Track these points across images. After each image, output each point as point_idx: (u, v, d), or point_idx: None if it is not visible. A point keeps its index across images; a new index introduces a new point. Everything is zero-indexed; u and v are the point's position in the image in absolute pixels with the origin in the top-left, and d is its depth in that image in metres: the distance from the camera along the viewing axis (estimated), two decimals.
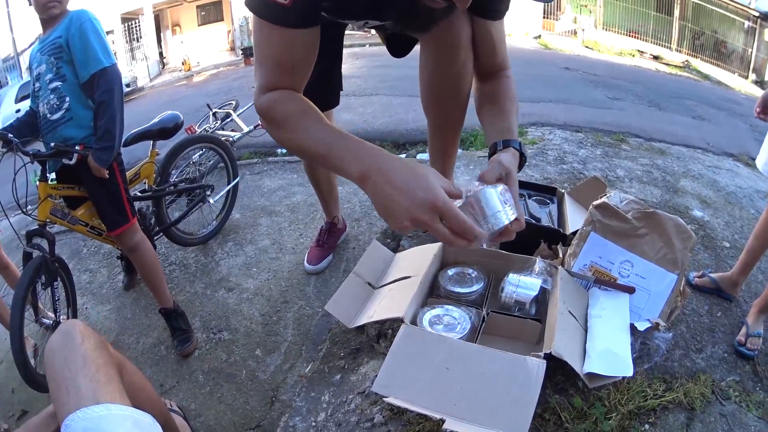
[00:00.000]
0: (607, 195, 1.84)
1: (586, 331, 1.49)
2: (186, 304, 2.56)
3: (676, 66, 16.20)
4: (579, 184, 2.57)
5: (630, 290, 1.71)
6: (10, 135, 2.28)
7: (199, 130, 4.86)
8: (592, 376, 1.34)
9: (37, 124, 2.31)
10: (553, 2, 21.24)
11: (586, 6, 20.36)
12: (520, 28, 20.30)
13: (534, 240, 1.93)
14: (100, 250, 3.16)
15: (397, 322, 1.44)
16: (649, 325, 1.59)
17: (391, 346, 1.30)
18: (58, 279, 2.39)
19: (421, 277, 1.60)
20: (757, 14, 19.84)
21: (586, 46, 18.69)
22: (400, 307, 1.46)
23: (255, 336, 2.31)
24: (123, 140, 2.45)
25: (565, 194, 2.32)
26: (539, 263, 1.64)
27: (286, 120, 1.19)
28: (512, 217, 1.01)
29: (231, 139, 4.32)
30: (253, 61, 1.23)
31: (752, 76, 19.43)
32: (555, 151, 4.06)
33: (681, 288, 1.77)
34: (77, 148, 2.17)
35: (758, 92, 18.24)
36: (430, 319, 1.49)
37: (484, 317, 1.50)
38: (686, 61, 16.97)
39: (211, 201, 3.15)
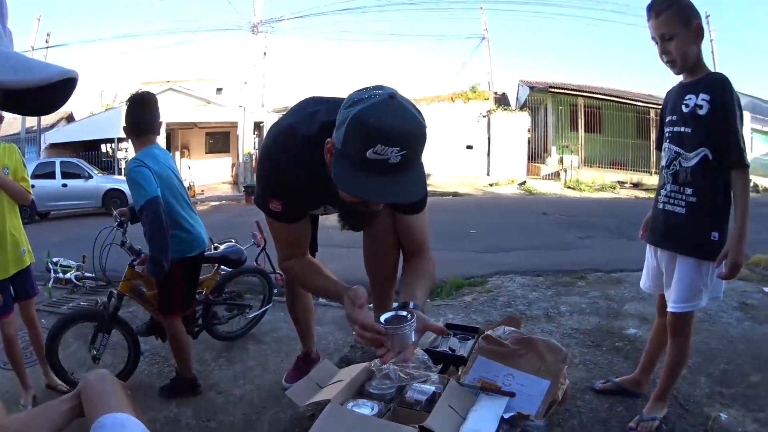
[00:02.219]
0: (494, 329, 2.57)
1: (464, 419, 2.15)
2: (182, 398, 3.11)
3: (654, 190, 17.13)
4: (497, 322, 3.13)
5: (511, 395, 2.30)
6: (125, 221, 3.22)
7: None
8: None
9: None
10: (540, 146, 22.58)
11: (567, 146, 21.75)
12: (506, 176, 21.32)
13: (447, 366, 2.61)
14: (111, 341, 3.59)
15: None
16: (514, 413, 2.17)
17: (320, 415, 2.01)
18: (110, 334, 3.22)
19: (348, 381, 2.29)
20: None
21: (569, 187, 19.97)
22: (331, 394, 2.18)
23: (236, 427, 2.79)
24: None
25: (486, 332, 2.83)
26: (434, 377, 2.33)
27: (301, 275, 2.15)
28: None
29: None
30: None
31: None
32: (506, 297, 4.66)
33: (557, 391, 2.36)
34: (141, 256, 3.00)
35: None
36: (350, 405, 2.15)
37: (390, 408, 2.17)
38: None
39: (249, 317, 4.01)
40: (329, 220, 2.30)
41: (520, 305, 4.43)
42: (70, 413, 1.40)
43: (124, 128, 3.04)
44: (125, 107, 3.05)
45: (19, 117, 21.21)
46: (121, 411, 1.32)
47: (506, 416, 2.18)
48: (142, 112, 3.01)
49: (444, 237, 8.51)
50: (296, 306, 3.02)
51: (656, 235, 2.53)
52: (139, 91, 3.10)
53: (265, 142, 2.01)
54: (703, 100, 2.24)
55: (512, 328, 2.62)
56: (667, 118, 2.45)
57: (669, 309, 2.41)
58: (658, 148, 2.55)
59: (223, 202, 19.04)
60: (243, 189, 19.52)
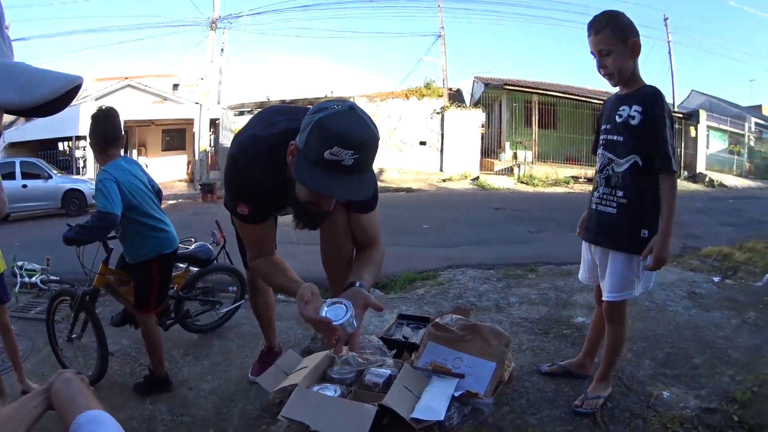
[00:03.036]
0: (442, 317, 2.81)
1: (418, 398, 2.39)
2: (155, 395, 3.23)
3: None
4: (446, 312, 3.30)
5: (460, 376, 2.55)
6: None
7: None
8: (416, 420, 2.22)
9: None
10: (494, 142, 22.89)
11: (521, 142, 21.91)
12: (459, 171, 21.47)
13: (401, 352, 2.87)
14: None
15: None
16: (462, 391, 2.42)
17: (289, 398, 2.23)
18: (87, 321, 3.44)
19: (312, 368, 2.53)
20: (681, 115, 22.05)
21: (522, 182, 20.14)
22: (298, 380, 2.40)
23: (209, 421, 2.92)
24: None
25: (435, 320, 3.06)
26: (389, 361, 2.59)
27: (266, 273, 2.29)
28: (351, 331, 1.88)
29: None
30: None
31: (684, 173, 21.15)
32: (457, 289, 4.81)
33: (503, 372, 2.61)
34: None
35: (691, 186, 20.04)
36: (316, 388, 2.38)
37: (351, 390, 2.40)
38: None
39: (220, 312, 4.22)
40: (285, 219, 2.47)
41: (471, 297, 4.55)
42: (43, 404, 1.49)
43: (90, 144, 3.20)
44: (89, 124, 3.19)
45: None
46: (90, 408, 1.39)
47: (456, 394, 2.43)
48: (104, 127, 3.17)
49: (397, 232, 8.67)
50: (258, 302, 3.20)
51: (590, 234, 2.70)
52: (101, 107, 3.23)
53: (230, 151, 2.20)
54: (635, 111, 2.45)
55: (459, 316, 2.87)
56: (602, 127, 2.66)
57: (603, 298, 2.58)
58: (594, 152, 2.73)
59: (180, 200, 18.57)
60: (199, 187, 19.28)
